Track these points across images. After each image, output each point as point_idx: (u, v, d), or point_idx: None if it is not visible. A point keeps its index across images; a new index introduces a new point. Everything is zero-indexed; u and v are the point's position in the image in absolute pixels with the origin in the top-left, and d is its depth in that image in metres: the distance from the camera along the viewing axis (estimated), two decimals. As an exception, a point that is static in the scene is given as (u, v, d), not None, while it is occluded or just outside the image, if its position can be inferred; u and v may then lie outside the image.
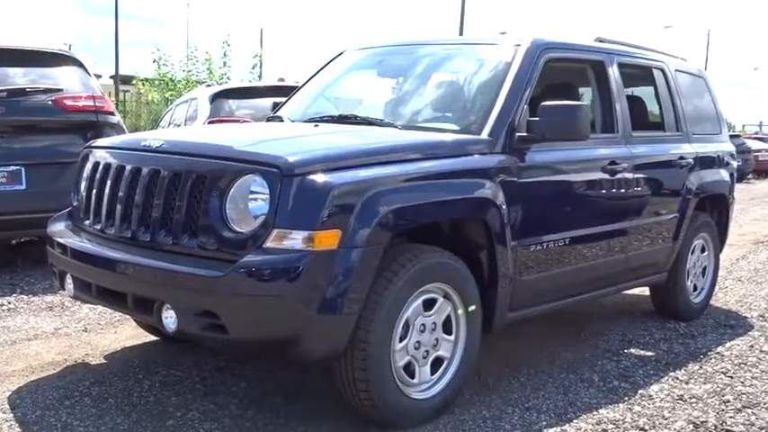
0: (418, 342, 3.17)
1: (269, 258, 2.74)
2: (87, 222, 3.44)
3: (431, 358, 3.25)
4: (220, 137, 3.46)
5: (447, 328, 3.30)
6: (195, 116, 8.54)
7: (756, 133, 38.13)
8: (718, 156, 5.34)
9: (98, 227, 3.33)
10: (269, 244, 2.78)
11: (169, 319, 2.92)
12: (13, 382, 3.59)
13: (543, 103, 3.58)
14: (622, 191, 4.24)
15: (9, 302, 5.00)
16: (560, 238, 3.82)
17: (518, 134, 3.58)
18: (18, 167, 5.62)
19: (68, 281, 3.40)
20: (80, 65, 6.24)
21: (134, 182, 3.16)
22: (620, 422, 3.41)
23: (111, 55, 25.68)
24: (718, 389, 3.87)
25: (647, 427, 3.37)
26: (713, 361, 4.33)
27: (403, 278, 3.02)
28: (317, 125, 3.68)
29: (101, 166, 3.40)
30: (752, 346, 4.65)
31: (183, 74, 16.30)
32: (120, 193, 3.21)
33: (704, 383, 3.95)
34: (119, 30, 24.88)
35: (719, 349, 4.56)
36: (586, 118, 3.59)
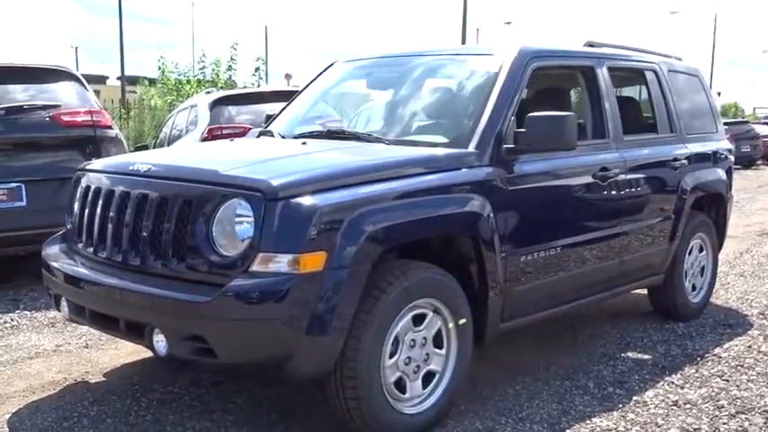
0: (408, 357, 3.20)
1: (255, 282, 2.78)
2: (81, 245, 3.48)
3: (422, 373, 3.28)
4: (206, 159, 3.49)
5: (438, 342, 3.33)
6: (196, 122, 8.59)
7: (766, 117, 37.85)
8: (714, 154, 5.33)
9: (90, 250, 3.38)
10: (255, 267, 2.81)
11: (160, 343, 2.96)
12: (13, 404, 3.64)
13: (529, 115, 3.59)
14: (615, 196, 4.24)
15: (12, 319, 5.07)
16: (551, 247, 3.84)
17: (505, 146, 3.60)
18: (18, 184, 5.68)
19: (63, 304, 3.45)
20: (77, 79, 6.30)
21: (123, 206, 3.20)
22: (614, 431, 3.43)
23: (118, 56, 25.86)
24: (713, 393, 3.87)
25: (642, 435, 3.39)
26: (710, 364, 4.34)
27: (391, 295, 3.04)
28: (304, 143, 3.70)
29: (92, 190, 3.44)
30: (750, 347, 4.65)
31: (191, 77, 16.30)
32: (111, 217, 3.25)
33: (699, 388, 3.96)
34: (123, 31, 25.04)
35: (717, 351, 4.56)
36: (573, 128, 3.60)
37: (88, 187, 3.49)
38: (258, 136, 4.47)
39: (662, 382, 4.03)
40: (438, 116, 3.92)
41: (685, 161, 4.90)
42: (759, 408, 3.69)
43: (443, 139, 3.69)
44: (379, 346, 3.05)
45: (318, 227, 2.82)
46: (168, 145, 9.27)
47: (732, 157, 5.64)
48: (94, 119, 5.96)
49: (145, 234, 3.08)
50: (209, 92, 9.55)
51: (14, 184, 5.67)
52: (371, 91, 4.41)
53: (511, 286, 3.62)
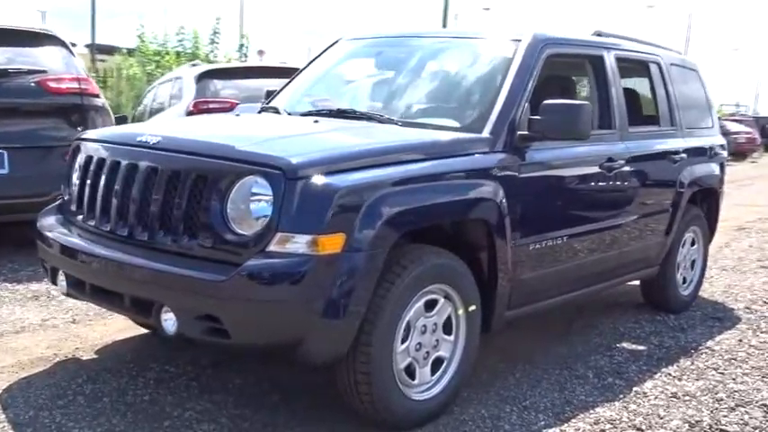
0: (419, 343, 3.15)
1: (273, 262, 2.70)
2: (80, 217, 3.36)
3: (431, 359, 3.24)
4: (220, 134, 3.38)
5: (447, 328, 3.28)
6: (180, 96, 8.41)
7: (733, 114, 38.46)
8: (710, 149, 5.35)
9: (92, 223, 3.26)
10: (272, 247, 2.73)
11: (168, 321, 2.87)
12: (3, 379, 3.52)
13: (545, 102, 3.54)
14: (619, 187, 4.24)
15: (-6, 291, 4.92)
16: (559, 236, 3.81)
17: (519, 133, 3.55)
18: (0, 151, 5.49)
19: (61, 277, 3.33)
20: (63, 44, 6.09)
21: (130, 179, 3.09)
22: (618, 422, 3.42)
23: (88, 23, 25.14)
24: (711, 386, 3.90)
25: (643, 427, 3.39)
26: (704, 356, 4.37)
27: (405, 280, 2.99)
28: (316, 120, 3.61)
29: (94, 160, 3.32)
30: (740, 341, 4.69)
31: (170, 49, 15.94)
32: (116, 190, 3.13)
33: (696, 380, 3.98)
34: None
35: (709, 344, 4.60)
36: (588, 117, 3.56)
37: (90, 157, 3.36)
38: (260, 111, 4.36)
39: (659, 374, 4.05)
40: (450, 100, 3.86)
41: (684, 155, 4.91)
42: (757, 401, 3.72)
43: (455, 123, 3.63)
44: (393, 331, 2.99)
45: (338, 208, 2.74)
46: (149, 117, 9.08)
47: (726, 153, 5.67)
48: (82, 86, 5.78)
49: (154, 208, 2.97)
50: (194, 64, 9.35)
51: (-3, 151, 5.49)
52: (379, 70, 4.32)
53: (518, 274, 3.58)
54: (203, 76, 8.31)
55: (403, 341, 3.08)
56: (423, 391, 3.21)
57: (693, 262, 5.38)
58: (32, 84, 5.61)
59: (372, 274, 2.84)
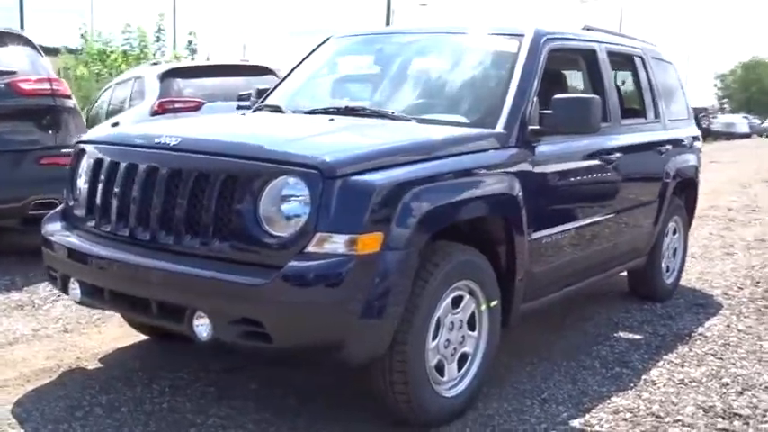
0: (448, 340, 3.15)
1: (315, 264, 2.65)
2: (91, 223, 3.24)
3: (457, 355, 3.24)
4: (243, 134, 3.30)
5: (470, 324, 3.29)
6: (142, 95, 8.22)
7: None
8: (688, 140, 5.49)
9: (107, 228, 3.15)
10: (311, 248, 2.68)
11: (201, 327, 2.80)
12: (10, 393, 3.38)
13: (556, 97, 3.58)
14: (616, 179, 4.32)
15: (-25, 302, 4.71)
16: (567, 228, 3.86)
17: (530, 127, 3.58)
18: (-31, 156, 5.27)
19: (73, 285, 3.21)
20: (30, 44, 5.88)
21: (151, 182, 2.99)
22: (636, 410, 3.49)
23: (13, 21, 24.16)
24: (713, 371, 4.00)
25: (661, 414, 3.46)
26: (699, 343, 4.48)
27: (437, 277, 2.98)
28: (332, 119, 3.56)
29: (105, 164, 3.20)
30: (728, 326, 4.83)
31: (116, 48, 15.46)
32: (134, 194, 3.03)
33: (698, 366, 4.08)
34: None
35: (700, 330, 4.72)
36: (599, 111, 3.62)
37: (100, 161, 3.24)
38: (254, 110, 4.28)
39: (661, 362, 4.14)
40: (457, 96, 3.85)
41: (669, 146, 5.03)
42: (761, 384, 3.84)
43: (465, 119, 3.63)
44: (426, 329, 2.99)
45: (376, 206, 2.72)
46: (107, 118, 8.83)
47: (700, 144, 5.83)
48: (53, 87, 5.58)
49: (179, 212, 2.89)
50: (155, 63, 9.13)
51: (-36, 156, 5.25)
52: (378, 67, 4.28)
53: (531, 268, 3.61)
54: (167, 75, 8.13)
55: (433, 338, 3.07)
56: (450, 388, 3.22)
57: (675, 251, 5.52)
58: (2, 86, 5.38)
59: (409, 272, 2.83)
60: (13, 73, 5.45)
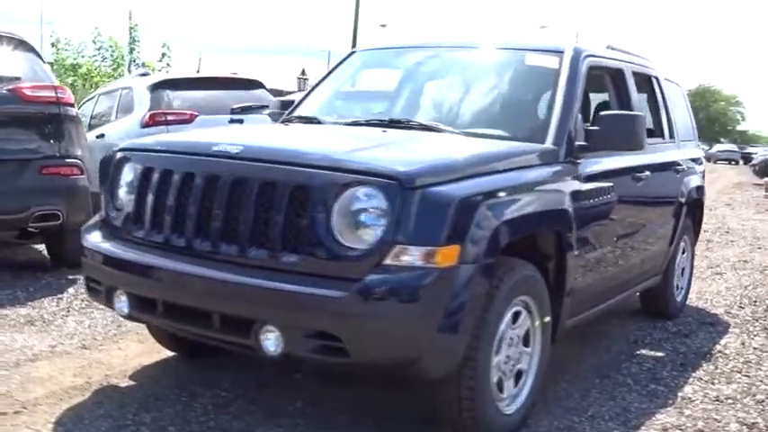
0: (507, 356, 3.11)
1: (396, 277, 2.59)
2: (139, 233, 3.12)
3: (514, 372, 3.20)
4: (309, 143, 3.23)
5: (525, 340, 3.26)
6: (131, 107, 8.05)
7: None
8: (696, 160, 5.58)
9: (159, 239, 3.03)
10: (389, 261, 2.62)
11: (270, 341, 2.70)
12: (45, 412, 3.21)
13: (603, 113, 3.61)
14: (646, 197, 4.36)
15: (-20, 317, 4.50)
16: (607, 244, 3.87)
17: (577, 143, 3.58)
18: (-30, 165, 5.05)
19: (120, 298, 3.09)
20: (33, 50, 5.70)
21: (210, 191, 2.89)
22: (683, 427, 3.48)
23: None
24: (745, 388, 4.03)
25: (707, 431, 3.46)
26: (721, 360, 4.52)
27: (503, 293, 2.94)
28: (384, 130, 3.50)
29: (157, 172, 3.09)
30: (743, 344, 4.88)
31: (87, 60, 15.08)
32: (192, 203, 2.93)
33: (728, 383, 4.11)
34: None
35: (718, 348, 4.76)
36: (644, 128, 3.64)
37: (149, 169, 3.12)
38: (283, 122, 4.20)
39: (691, 379, 4.16)
40: (499, 109, 3.84)
41: (683, 166, 5.10)
42: (796, 401, 3.88)
43: (510, 134, 3.61)
44: (492, 344, 2.94)
45: (455, 218, 2.67)
46: (90, 129, 8.61)
47: (704, 165, 5.93)
48: (58, 95, 5.40)
49: (244, 222, 2.79)
50: (143, 74, 8.95)
51: (-34, 165, 5.04)
52: (412, 80, 4.25)
53: (576, 282, 3.60)
54: (157, 87, 8.00)
55: (495, 354, 3.02)
56: (508, 405, 3.17)
57: (683, 270, 5.58)
58: (6, 92, 5.19)
59: (483, 286, 2.79)
60: (17, 79, 5.26)
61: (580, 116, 3.66)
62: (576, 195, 3.47)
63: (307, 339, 2.64)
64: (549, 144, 3.49)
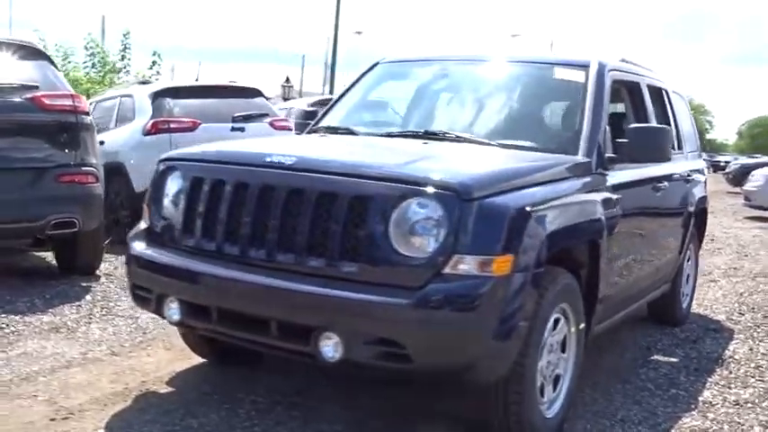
0: (548, 362, 3.21)
1: (456, 285, 2.68)
2: (189, 242, 3.17)
3: (553, 377, 3.29)
4: (362, 156, 3.30)
5: (562, 346, 3.36)
6: (131, 115, 8.05)
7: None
8: (701, 171, 5.75)
9: (210, 247, 3.08)
10: (448, 270, 2.70)
11: (329, 347, 2.77)
12: (94, 418, 3.25)
13: (631, 126, 3.73)
14: (664, 206, 4.50)
15: (6, 324, 4.49)
16: (631, 253, 3.98)
17: (607, 155, 3.70)
18: (-11, 172, 5.04)
19: (171, 305, 3.14)
20: (47, 58, 5.71)
21: (265, 201, 2.96)
22: (710, 430, 3.61)
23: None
24: (761, 392, 4.17)
25: (737, 433, 3.59)
26: (733, 365, 4.66)
27: (548, 300, 3.04)
28: (426, 142, 3.59)
29: (208, 182, 3.14)
30: (751, 350, 5.04)
31: (75, 66, 14.94)
32: (247, 213, 2.99)
33: (744, 387, 4.25)
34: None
35: (728, 353, 4.91)
36: (670, 141, 3.77)
37: (199, 179, 3.18)
38: (309, 132, 4.28)
39: (708, 383, 4.29)
40: (532, 122, 3.95)
41: (691, 176, 5.25)
42: (810, 405, 4.03)
43: (541, 145, 3.71)
44: (537, 350, 3.04)
45: (510, 229, 2.77)
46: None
47: (706, 175, 6.10)
48: (75, 103, 5.41)
49: (301, 231, 2.86)
50: (143, 82, 8.95)
51: (-16, 172, 5.03)
52: (439, 92, 4.34)
53: (606, 290, 3.71)
54: (159, 95, 8.00)
55: (539, 360, 3.12)
56: (548, 408, 3.26)
57: (688, 277, 5.73)
58: (25, 100, 5.19)
59: (533, 294, 2.88)
60: (36, 87, 5.26)
61: (608, 128, 3.78)
62: (606, 205, 3.58)
63: (367, 346, 2.71)
64: (581, 156, 3.60)
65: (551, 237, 2.98)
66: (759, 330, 5.56)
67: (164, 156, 3.46)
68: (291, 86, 30.30)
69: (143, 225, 3.45)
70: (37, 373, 3.73)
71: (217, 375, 3.88)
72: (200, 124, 7.69)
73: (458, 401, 3.46)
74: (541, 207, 2.98)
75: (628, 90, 4.55)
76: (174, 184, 3.31)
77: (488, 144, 3.65)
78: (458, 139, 3.71)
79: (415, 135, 3.82)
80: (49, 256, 6.55)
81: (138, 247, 3.32)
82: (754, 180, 15.76)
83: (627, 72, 4.47)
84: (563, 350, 3.36)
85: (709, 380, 4.35)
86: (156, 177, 3.42)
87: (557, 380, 3.34)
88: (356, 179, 2.86)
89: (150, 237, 3.37)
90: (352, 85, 4.60)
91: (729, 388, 4.23)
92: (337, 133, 4.08)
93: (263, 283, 2.87)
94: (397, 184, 2.81)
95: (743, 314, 6.09)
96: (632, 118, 4.55)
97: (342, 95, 4.58)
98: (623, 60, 4.86)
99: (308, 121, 4.47)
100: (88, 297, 5.26)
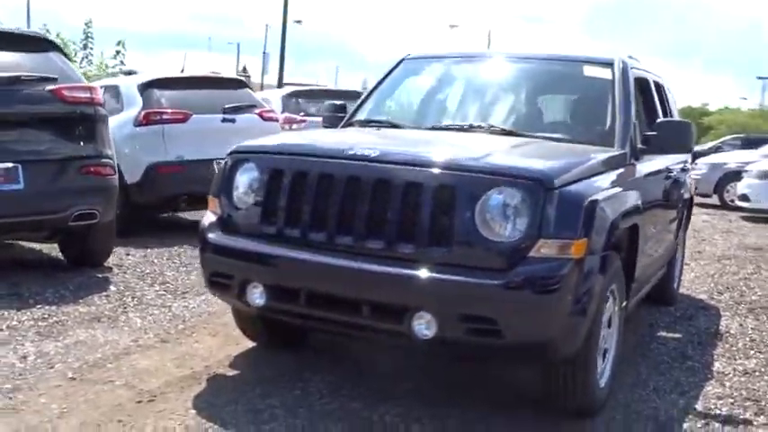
0: (603, 336, 3.50)
1: (542, 267, 2.94)
2: (270, 229, 3.34)
3: (602, 350, 3.59)
4: (442, 148, 3.50)
5: (608, 323, 3.66)
6: (120, 106, 8.02)
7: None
8: (690, 162, 6.15)
9: (294, 234, 3.26)
10: (533, 253, 2.96)
11: (422, 325, 3.00)
12: (177, 399, 3.40)
13: (660, 120, 4.05)
14: (671, 193, 4.85)
15: (48, 315, 4.56)
16: (653, 237, 4.32)
17: (639, 146, 4.01)
18: (14, 165, 5.05)
19: (255, 291, 3.31)
20: (61, 50, 5.72)
21: (351, 191, 3.16)
22: (731, 396, 3.96)
23: None
24: (764, 362, 4.58)
25: (755, 398, 3.96)
26: (730, 340, 5.06)
27: (607, 279, 3.33)
28: (480, 135, 3.84)
29: (287, 174, 3.32)
30: (741, 325, 5.46)
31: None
32: (333, 202, 3.18)
33: (747, 358, 4.65)
34: None
35: (721, 329, 5.32)
36: (694, 133, 4.11)
37: (279, 171, 3.35)
38: (345, 125, 4.47)
39: (716, 356, 4.67)
40: (569, 117, 4.25)
41: (686, 165, 5.64)
42: (810, 372, 4.45)
43: (583, 139, 4.00)
44: (600, 326, 3.33)
45: (586, 215, 3.04)
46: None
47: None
48: (93, 95, 5.46)
49: (391, 220, 3.08)
50: (130, 73, 8.90)
51: (11, 165, 5.04)
52: (476, 88, 4.59)
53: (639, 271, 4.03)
54: (147, 86, 8.00)
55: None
56: (600, 378, 3.56)
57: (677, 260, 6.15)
58: (46, 92, 5.21)
59: (600, 275, 3.17)
60: (55, 80, 5.28)
61: (637, 122, 4.09)
62: (642, 192, 3.90)
63: (460, 323, 2.95)
64: (617, 148, 3.91)
65: (616, 221, 3.27)
66: (740, 308, 6.00)
67: (232, 149, 3.61)
68: (249, 76, 30.02)
69: (211, 216, 3.58)
70: (103, 360, 3.84)
71: (273, 357, 4.05)
72: (191, 115, 7.74)
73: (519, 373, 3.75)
74: (605, 195, 3.26)
75: (640, 86, 4.88)
76: (247, 176, 3.47)
77: (530, 136, 3.92)
78: (502, 132, 3.97)
79: (460, 128, 4.06)
80: (45, 248, 6.55)
81: (215, 236, 3.47)
82: (698, 169, 16.53)
83: (642, 70, 4.80)
84: (608, 326, 3.66)
85: (715, 353, 4.74)
86: (224, 169, 3.57)
87: (604, 354, 3.64)
88: (444, 171, 3.08)
89: (224, 226, 3.51)
90: (382, 80, 4.80)
91: (735, 359, 4.62)
92: (381, 127, 4.29)
93: (355, 268, 3.07)
94: (484, 176, 3.05)
95: (721, 293, 6.54)
96: (643, 112, 4.89)
97: (372, 91, 4.78)
98: (630, 57, 5.20)
99: (338, 115, 4.64)
100: (112, 288, 5.32)
